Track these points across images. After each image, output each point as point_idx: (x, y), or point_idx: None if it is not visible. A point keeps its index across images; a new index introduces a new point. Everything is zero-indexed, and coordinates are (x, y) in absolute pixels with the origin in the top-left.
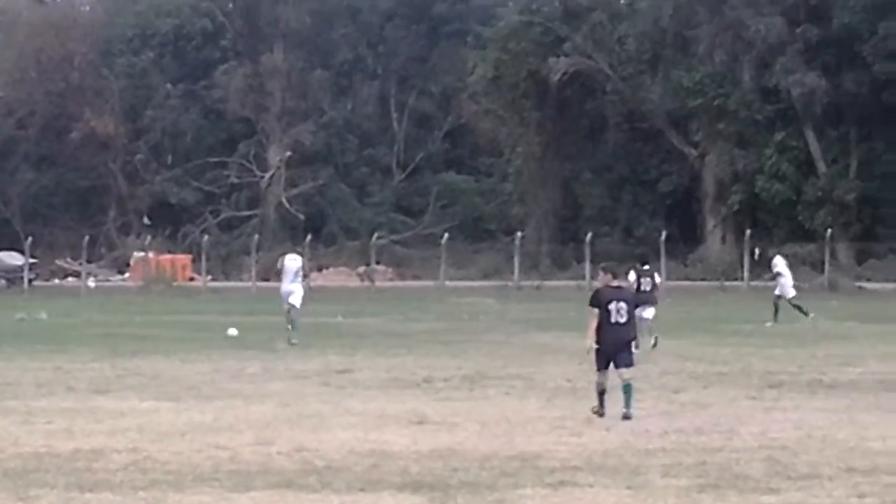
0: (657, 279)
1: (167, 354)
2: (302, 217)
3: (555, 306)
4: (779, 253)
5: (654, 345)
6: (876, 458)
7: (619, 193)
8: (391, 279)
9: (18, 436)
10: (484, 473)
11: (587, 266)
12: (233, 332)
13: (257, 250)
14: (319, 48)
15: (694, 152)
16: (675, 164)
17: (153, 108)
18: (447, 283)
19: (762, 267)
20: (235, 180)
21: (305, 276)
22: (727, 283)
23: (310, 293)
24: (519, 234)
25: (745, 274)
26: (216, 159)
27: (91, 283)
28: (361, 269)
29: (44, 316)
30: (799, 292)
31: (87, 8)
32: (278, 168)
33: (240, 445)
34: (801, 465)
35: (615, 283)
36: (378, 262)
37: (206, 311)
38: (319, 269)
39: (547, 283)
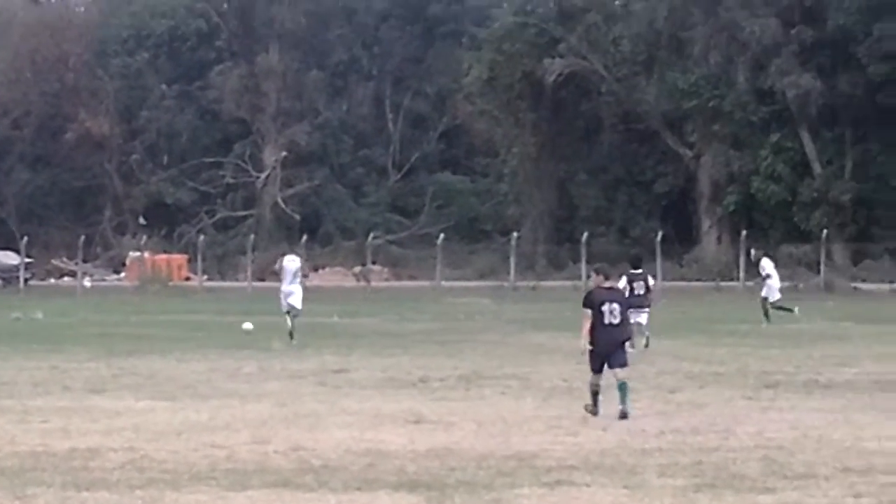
0: (650, 282)
1: (163, 354)
2: (298, 217)
3: (551, 306)
4: (765, 255)
5: (646, 345)
6: (872, 458)
7: (615, 194)
8: (387, 279)
9: (15, 434)
10: (481, 473)
11: (583, 266)
12: (248, 326)
13: (253, 250)
14: (315, 49)
15: (689, 153)
16: (671, 165)
17: (148, 108)
18: (443, 283)
19: (756, 268)
20: (231, 180)
21: (305, 277)
22: (723, 284)
23: (306, 293)
24: (515, 234)
25: (741, 274)
26: (212, 159)
27: (87, 282)
28: (357, 269)
29: (40, 315)
30: (795, 293)
31: (82, 8)
32: (274, 168)
33: (236, 444)
34: (797, 465)
35: (607, 284)
36: (374, 263)
37: (202, 311)
38: (315, 269)
39: (543, 283)
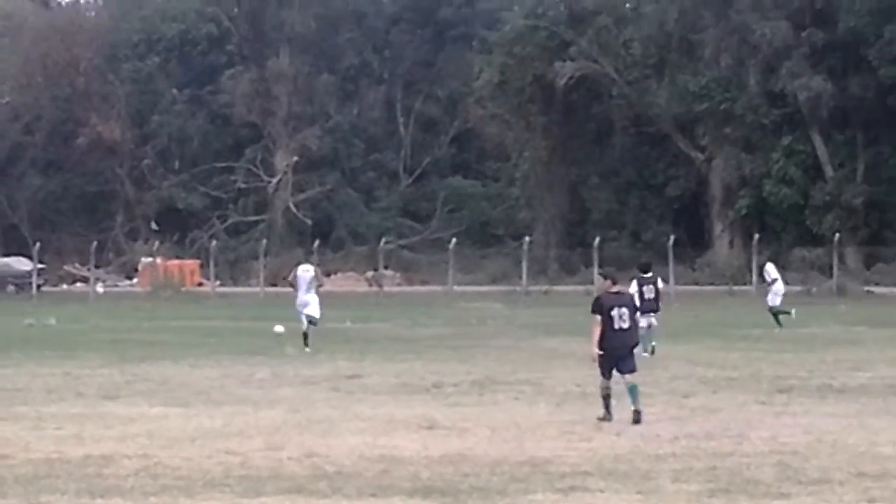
0: (660, 285)
1: (176, 360)
2: (309, 222)
3: (563, 311)
4: (769, 260)
5: (652, 352)
6: (886, 463)
7: (627, 198)
8: (399, 284)
9: (29, 441)
10: (494, 479)
11: (595, 271)
12: (280, 329)
13: (265, 255)
14: (325, 53)
15: (701, 156)
16: (682, 169)
17: (160, 113)
18: (455, 287)
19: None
20: (242, 185)
21: (321, 285)
22: (735, 288)
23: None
24: (526, 238)
25: (754, 278)
26: (223, 164)
27: (99, 288)
28: (370, 274)
29: (52, 321)
30: (808, 297)
31: (93, 13)
32: (285, 173)
33: (250, 451)
34: (811, 470)
35: (615, 288)
36: (386, 267)
37: (215, 317)
38: (328, 275)
39: (555, 287)
